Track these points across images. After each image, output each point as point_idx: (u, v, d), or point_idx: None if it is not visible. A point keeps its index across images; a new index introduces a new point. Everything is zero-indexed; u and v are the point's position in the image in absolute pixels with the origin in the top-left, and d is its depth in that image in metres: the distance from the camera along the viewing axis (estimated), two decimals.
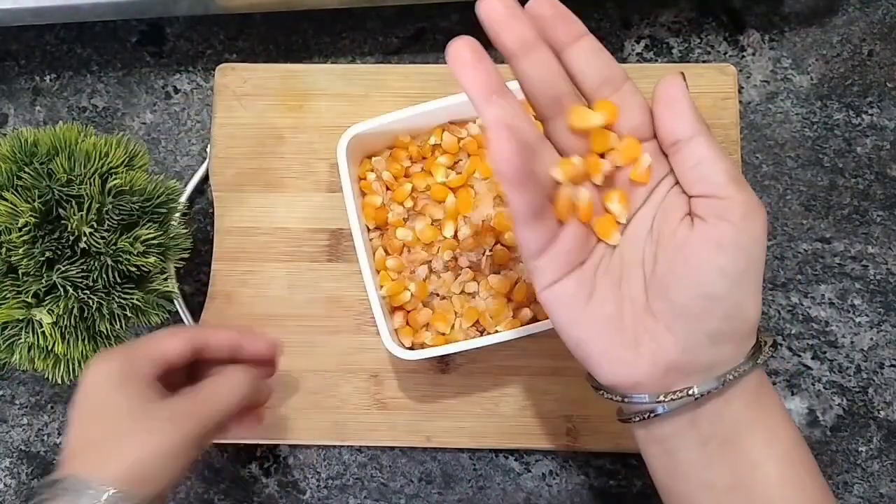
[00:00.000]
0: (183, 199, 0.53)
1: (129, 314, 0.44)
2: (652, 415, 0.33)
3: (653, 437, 0.34)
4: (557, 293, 0.33)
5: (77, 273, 0.42)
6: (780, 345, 0.53)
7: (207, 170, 0.54)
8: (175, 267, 0.52)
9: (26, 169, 0.42)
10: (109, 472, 0.34)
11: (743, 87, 0.56)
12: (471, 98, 0.31)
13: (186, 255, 0.47)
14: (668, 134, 0.32)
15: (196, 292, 0.55)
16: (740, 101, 0.55)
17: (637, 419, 0.33)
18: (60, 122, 0.46)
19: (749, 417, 0.32)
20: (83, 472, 0.35)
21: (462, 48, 0.31)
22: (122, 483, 0.34)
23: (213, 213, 0.54)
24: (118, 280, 0.43)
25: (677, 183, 0.33)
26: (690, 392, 0.32)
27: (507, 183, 0.30)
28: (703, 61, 0.57)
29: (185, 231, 0.47)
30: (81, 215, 0.42)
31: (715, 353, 0.32)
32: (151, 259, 0.43)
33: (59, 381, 0.43)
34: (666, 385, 0.32)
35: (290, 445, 0.52)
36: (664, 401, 0.32)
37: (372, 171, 0.50)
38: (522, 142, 0.30)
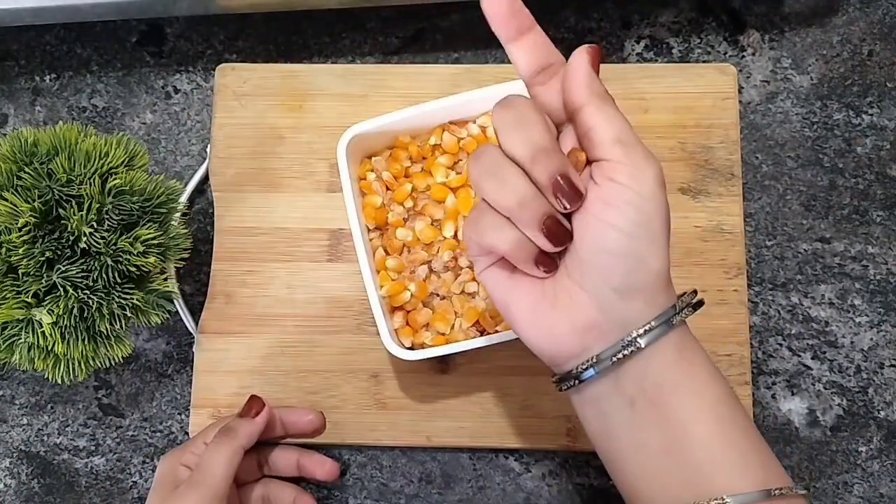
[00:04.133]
0: (183, 199, 0.53)
1: (129, 314, 0.44)
2: (578, 381, 0.34)
3: (585, 400, 0.35)
4: (492, 274, 0.36)
5: (77, 273, 0.42)
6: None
7: (207, 170, 0.54)
8: (175, 267, 0.52)
9: (26, 169, 0.42)
10: None
11: (743, 87, 0.56)
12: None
13: (186, 255, 0.47)
14: (566, 103, 0.33)
15: (196, 292, 0.55)
16: (740, 101, 0.55)
17: (565, 386, 0.35)
18: (60, 122, 0.46)
19: (673, 377, 0.33)
20: None
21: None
22: None
23: (213, 213, 0.54)
24: (118, 280, 0.43)
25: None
26: (607, 356, 0.33)
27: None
28: (703, 61, 0.57)
29: (185, 231, 0.47)
30: (81, 215, 0.42)
31: (626, 308, 0.33)
32: (151, 259, 0.43)
33: (59, 381, 0.43)
34: (586, 344, 0.34)
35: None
36: (586, 365, 0.34)
37: (372, 171, 0.50)
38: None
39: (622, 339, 0.33)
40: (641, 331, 0.33)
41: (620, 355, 0.33)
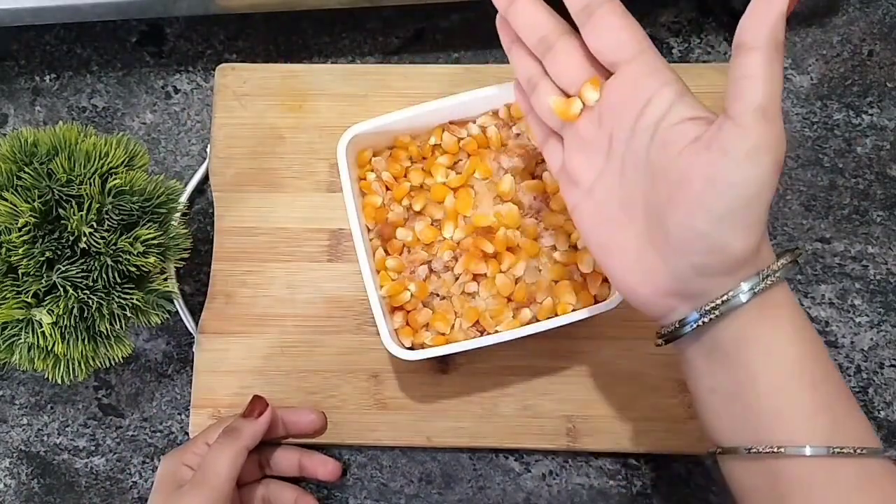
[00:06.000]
0: (183, 199, 0.54)
1: (129, 314, 0.44)
2: (664, 342, 0.36)
3: (677, 349, 0.37)
4: (588, 218, 0.37)
5: (77, 273, 0.42)
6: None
7: (207, 170, 0.55)
8: (175, 267, 0.52)
9: (26, 169, 0.42)
10: None
11: None
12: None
13: (186, 255, 0.47)
14: (739, 33, 0.31)
15: (196, 292, 0.55)
16: None
17: (658, 343, 0.37)
18: (60, 122, 0.46)
19: (751, 332, 0.34)
20: None
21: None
22: None
23: (213, 213, 0.54)
24: (118, 280, 0.43)
25: (670, 107, 0.33)
26: (688, 321, 0.34)
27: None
28: (703, 61, 0.56)
29: (185, 231, 0.47)
30: (81, 215, 0.42)
31: (704, 283, 0.33)
32: (151, 259, 0.43)
33: (59, 381, 0.43)
34: (670, 307, 0.35)
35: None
36: (670, 329, 0.35)
37: (372, 171, 0.50)
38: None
39: (701, 308, 0.34)
40: (719, 301, 0.33)
41: (700, 322, 0.34)
